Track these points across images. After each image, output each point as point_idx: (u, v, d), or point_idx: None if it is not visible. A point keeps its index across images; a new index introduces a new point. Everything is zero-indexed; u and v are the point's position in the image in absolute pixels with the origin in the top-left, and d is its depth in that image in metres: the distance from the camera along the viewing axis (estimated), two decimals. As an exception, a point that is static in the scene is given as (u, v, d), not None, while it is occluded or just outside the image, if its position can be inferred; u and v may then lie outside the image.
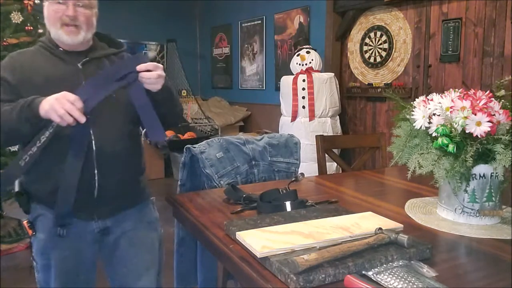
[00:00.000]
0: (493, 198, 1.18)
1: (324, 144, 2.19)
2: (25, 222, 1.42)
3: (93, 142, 1.32)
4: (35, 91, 1.28)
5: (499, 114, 1.13)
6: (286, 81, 3.87)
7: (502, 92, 1.24)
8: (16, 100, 1.28)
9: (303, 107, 3.72)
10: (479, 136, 1.11)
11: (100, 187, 1.34)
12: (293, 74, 3.87)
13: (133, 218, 1.47)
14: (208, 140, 1.79)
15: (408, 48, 3.59)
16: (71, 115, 1.18)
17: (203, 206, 1.40)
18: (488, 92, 1.19)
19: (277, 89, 4.61)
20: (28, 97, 1.26)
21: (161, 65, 1.32)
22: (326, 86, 3.72)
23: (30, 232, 1.42)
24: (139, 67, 1.26)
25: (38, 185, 1.38)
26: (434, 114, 1.17)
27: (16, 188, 1.42)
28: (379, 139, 2.32)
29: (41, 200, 1.40)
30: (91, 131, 1.31)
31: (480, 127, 1.10)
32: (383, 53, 3.80)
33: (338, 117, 3.91)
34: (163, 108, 1.37)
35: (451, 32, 3.23)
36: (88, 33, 1.38)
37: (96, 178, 1.33)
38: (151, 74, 1.26)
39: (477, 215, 1.19)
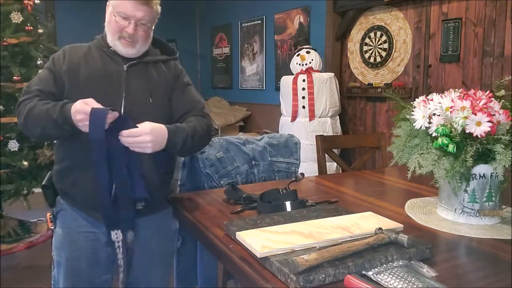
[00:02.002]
0: (493, 198, 1.18)
1: (324, 144, 2.19)
2: (48, 215, 1.44)
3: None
4: (79, 84, 1.34)
5: (499, 114, 1.13)
6: (286, 81, 3.87)
7: (502, 92, 1.24)
8: (59, 93, 1.34)
9: (303, 107, 3.72)
10: (479, 136, 1.11)
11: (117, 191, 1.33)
12: (293, 74, 3.87)
13: (151, 226, 1.44)
14: (208, 140, 1.79)
15: (408, 48, 3.59)
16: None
17: (203, 206, 1.40)
18: (488, 92, 1.19)
19: (277, 89, 4.61)
20: (72, 89, 1.33)
21: (146, 131, 1.25)
22: (326, 86, 3.72)
23: (50, 225, 1.44)
24: (123, 133, 1.24)
25: (62, 178, 1.40)
26: (434, 114, 1.17)
27: (43, 182, 1.46)
28: (379, 139, 2.32)
29: (64, 194, 1.43)
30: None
31: (480, 127, 1.10)
32: (383, 53, 3.80)
33: (338, 117, 3.90)
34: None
35: (451, 32, 3.22)
36: (144, 46, 1.42)
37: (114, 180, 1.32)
38: (126, 140, 1.24)
39: (477, 215, 1.19)
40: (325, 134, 3.28)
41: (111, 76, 1.37)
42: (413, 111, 1.24)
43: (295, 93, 3.74)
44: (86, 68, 1.37)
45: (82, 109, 1.21)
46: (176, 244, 1.60)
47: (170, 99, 1.44)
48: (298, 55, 3.88)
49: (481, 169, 1.16)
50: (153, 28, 1.43)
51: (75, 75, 1.36)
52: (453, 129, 1.14)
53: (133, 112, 1.33)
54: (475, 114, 1.11)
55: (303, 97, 3.71)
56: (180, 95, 1.46)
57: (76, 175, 1.37)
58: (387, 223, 1.11)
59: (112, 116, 1.22)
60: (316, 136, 2.20)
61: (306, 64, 3.80)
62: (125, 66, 1.39)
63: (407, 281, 0.82)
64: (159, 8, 1.42)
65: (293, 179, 1.57)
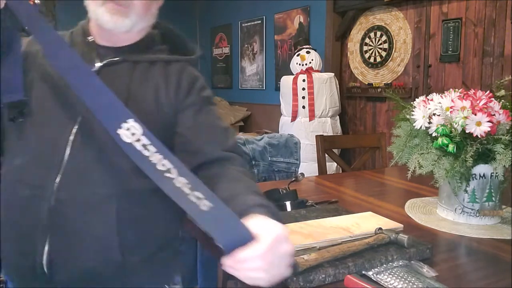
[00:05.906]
0: (493, 198, 1.18)
1: (324, 144, 2.19)
2: None
3: (54, 192, 0.82)
4: (43, 81, 0.90)
5: (499, 114, 1.13)
6: (286, 81, 3.87)
7: (502, 92, 1.24)
8: None
9: (303, 107, 3.72)
10: (479, 136, 1.11)
11: (51, 270, 0.82)
12: (293, 74, 3.87)
13: None
14: (208, 140, 1.79)
15: (408, 48, 3.59)
16: None
17: (203, 206, 1.39)
18: (488, 92, 1.19)
19: (277, 89, 4.61)
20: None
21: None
22: (326, 86, 3.72)
23: None
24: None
25: None
26: (434, 114, 1.17)
27: None
28: (379, 139, 2.32)
29: None
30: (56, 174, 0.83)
31: (480, 127, 1.10)
32: (383, 53, 3.80)
33: (338, 117, 3.91)
34: None
35: (451, 32, 3.22)
36: (141, 22, 0.92)
37: (46, 251, 0.82)
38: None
39: (477, 215, 1.19)
40: (325, 134, 3.28)
41: None
42: (413, 111, 1.24)
43: (295, 93, 3.74)
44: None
45: None
46: None
47: (169, 123, 0.92)
48: (298, 55, 3.88)
49: (481, 169, 1.16)
50: (159, 2, 0.99)
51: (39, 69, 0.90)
52: (453, 129, 1.14)
53: (93, 144, 0.85)
54: (475, 114, 1.11)
55: (303, 97, 3.71)
56: (193, 118, 0.95)
57: None
58: (387, 223, 1.11)
59: None
60: (316, 136, 2.20)
61: (306, 64, 3.80)
62: (96, 65, 0.89)
63: (407, 281, 0.82)
64: None
65: (293, 179, 1.57)
